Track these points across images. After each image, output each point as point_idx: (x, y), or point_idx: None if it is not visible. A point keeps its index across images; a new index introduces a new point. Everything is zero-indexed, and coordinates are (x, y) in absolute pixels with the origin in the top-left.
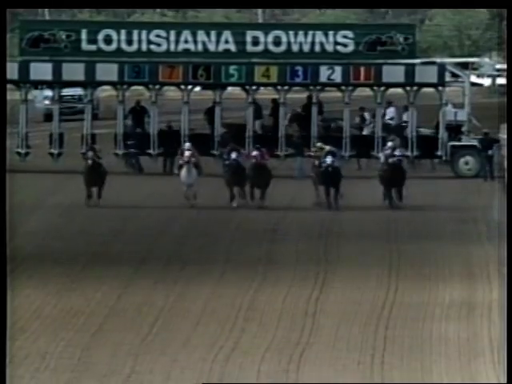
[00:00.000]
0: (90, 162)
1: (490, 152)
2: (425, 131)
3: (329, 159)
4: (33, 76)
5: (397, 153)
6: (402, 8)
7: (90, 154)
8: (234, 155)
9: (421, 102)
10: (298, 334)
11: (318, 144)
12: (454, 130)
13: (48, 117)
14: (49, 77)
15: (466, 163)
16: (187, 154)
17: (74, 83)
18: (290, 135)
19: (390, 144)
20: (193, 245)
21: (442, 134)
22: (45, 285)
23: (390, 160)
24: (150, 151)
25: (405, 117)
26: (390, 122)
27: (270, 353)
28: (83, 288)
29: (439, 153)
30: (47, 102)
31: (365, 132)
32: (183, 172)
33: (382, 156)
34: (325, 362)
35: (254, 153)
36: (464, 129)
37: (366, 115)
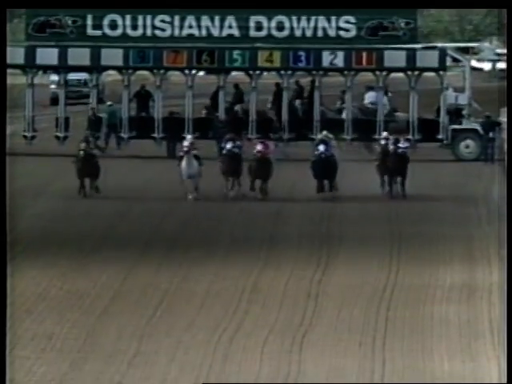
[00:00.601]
0: (82, 153)
1: (491, 135)
2: (402, 115)
3: (321, 147)
4: (39, 61)
5: (398, 143)
6: (403, 8)
7: (84, 145)
8: (230, 144)
9: (422, 87)
10: (300, 315)
11: (324, 132)
12: (455, 113)
13: (54, 101)
14: (55, 61)
15: (467, 146)
16: (187, 144)
17: (80, 68)
18: (270, 119)
19: (384, 134)
20: (197, 228)
21: (443, 117)
22: (51, 267)
23: (387, 149)
24: (155, 135)
25: (384, 101)
26: (370, 105)
27: (273, 335)
28: (89, 270)
29: (440, 136)
30: (53, 86)
31: (343, 115)
32: (183, 163)
33: (378, 145)
34: (327, 343)
35: (259, 146)
36: (465, 112)
37: (346, 98)
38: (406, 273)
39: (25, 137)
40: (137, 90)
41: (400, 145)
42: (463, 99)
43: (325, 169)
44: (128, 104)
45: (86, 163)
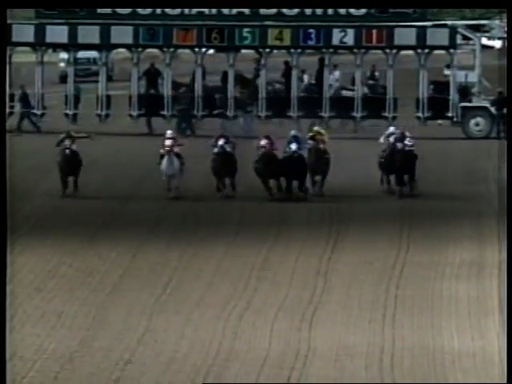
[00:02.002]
0: (67, 150)
1: (504, 111)
2: (347, 93)
3: (293, 146)
4: (49, 39)
5: (404, 139)
6: (402, 8)
7: (67, 141)
8: (221, 142)
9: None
10: (309, 293)
11: (316, 128)
12: (465, 91)
13: (63, 79)
14: (64, 39)
15: (477, 124)
16: (168, 142)
17: (89, 46)
18: (235, 97)
19: (391, 129)
20: (207, 206)
21: (453, 95)
22: (60, 245)
23: (395, 146)
24: (164, 112)
25: (330, 78)
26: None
27: (282, 312)
28: (98, 248)
29: (450, 114)
30: (62, 64)
31: (302, 94)
32: (164, 162)
33: (382, 140)
34: (337, 320)
35: (263, 142)
36: (474, 90)
37: (305, 77)
38: (415, 250)
39: (34, 114)
40: (146, 67)
41: (406, 142)
42: (473, 77)
43: (295, 169)
44: (137, 82)
45: (71, 161)
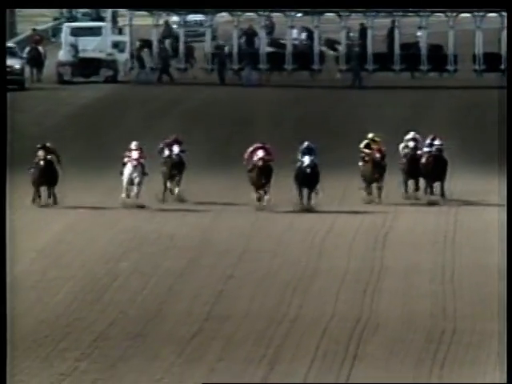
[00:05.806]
0: (42, 162)
1: None
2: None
3: (306, 159)
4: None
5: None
6: (401, 8)
7: (41, 152)
8: (176, 149)
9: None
10: (382, 219)
11: (370, 136)
12: None
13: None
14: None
15: None
16: (135, 154)
17: (197, 10)
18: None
19: (411, 134)
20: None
21: (504, 51)
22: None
23: (415, 152)
24: (260, 66)
25: (302, 36)
26: (295, 42)
27: (359, 234)
28: (203, 182)
29: (502, 67)
30: (174, 26)
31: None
32: (126, 170)
33: (401, 147)
34: (405, 242)
35: (260, 152)
36: None
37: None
38: (469, 181)
39: (152, 68)
40: (245, 29)
41: (436, 143)
42: None
43: (308, 182)
44: (237, 41)
45: (45, 171)
